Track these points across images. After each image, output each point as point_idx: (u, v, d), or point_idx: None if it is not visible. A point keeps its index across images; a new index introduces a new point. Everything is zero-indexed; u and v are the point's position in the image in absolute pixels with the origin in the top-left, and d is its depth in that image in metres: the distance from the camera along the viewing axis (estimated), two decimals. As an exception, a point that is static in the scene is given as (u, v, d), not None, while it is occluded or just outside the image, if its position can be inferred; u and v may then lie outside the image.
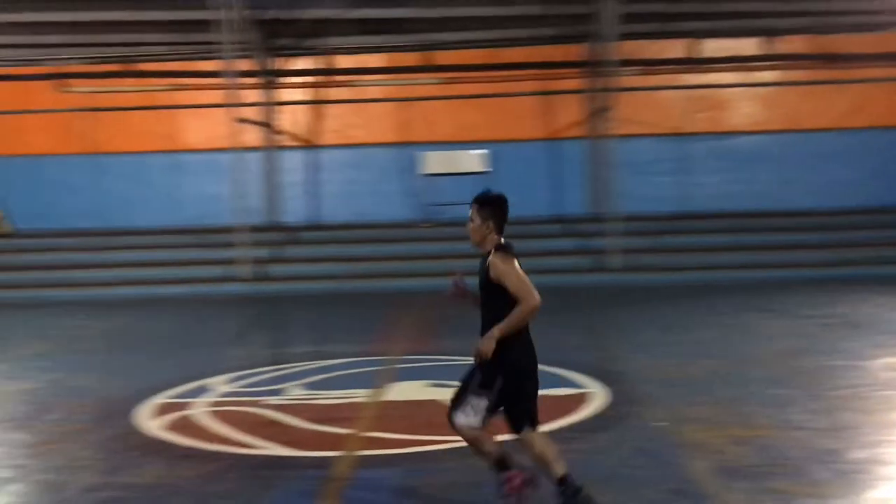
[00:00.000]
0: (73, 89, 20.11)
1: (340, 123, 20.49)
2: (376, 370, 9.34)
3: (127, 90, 20.14)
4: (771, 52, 20.19)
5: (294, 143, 20.53)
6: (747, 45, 20.23)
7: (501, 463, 5.08)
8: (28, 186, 20.26)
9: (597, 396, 8.00)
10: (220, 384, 8.97)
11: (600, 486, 5.57)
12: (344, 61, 20.43)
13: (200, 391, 8.64)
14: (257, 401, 8.15)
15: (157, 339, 12.47)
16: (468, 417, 4.96)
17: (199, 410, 7.85)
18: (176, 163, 20.23)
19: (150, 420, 7.55)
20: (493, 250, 4.98)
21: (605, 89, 18.19)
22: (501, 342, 4.83)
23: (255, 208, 18.78)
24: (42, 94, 20.08)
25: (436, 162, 19.55)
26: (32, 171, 20.20)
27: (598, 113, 18.87)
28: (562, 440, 6.60)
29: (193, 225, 19.63)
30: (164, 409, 7.91)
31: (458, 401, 5.03)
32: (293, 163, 20.43)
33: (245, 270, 17.38)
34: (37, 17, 18.45)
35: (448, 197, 19.15)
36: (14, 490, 5.86)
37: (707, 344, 10.67)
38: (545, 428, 6.91)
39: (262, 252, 18.00)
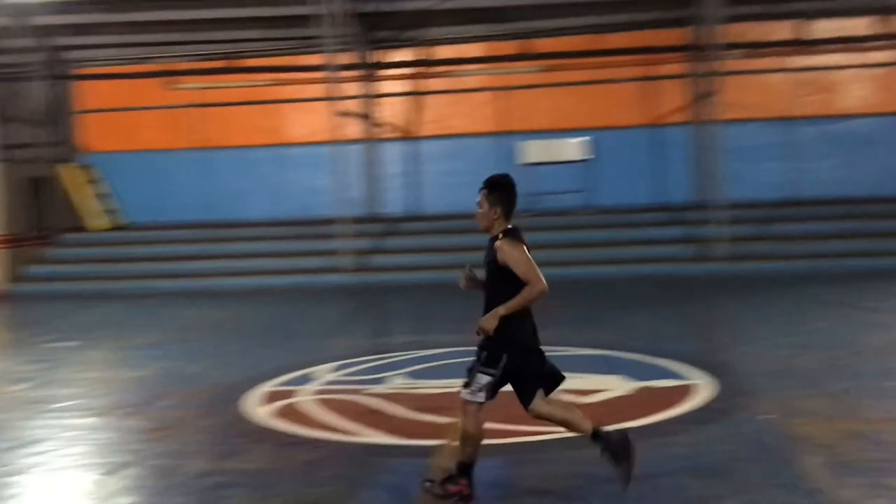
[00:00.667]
0: (181, 86, 20.72)
1: (439, 114, 20.57)
2: (477, 360, 9.35)
3: (232, 86, 20.65)
4: (885, 31, 19.35)
5: (394, 135, 20.71)
6: (859, 25, 19.45)
7: (465, 466, 5.21)
8: (140, 181, 20.97)
9: (703, 388, 7.84)
10: (325, 373, 9.13)
11: (706, 479, 5.46)
12: (443, 52, 20.47)
13: (305, 379, 8.81)
14: (360, 389, 8.26)
15: (264, 329, 12.76)
16: (474, 395, 5.08)
17: (305, 398, 8.01)
18: (280, 156, 20.66)
19: (257, 407, 7.73)
20: (500, 235, 5.14)
21: (710, 73, 17.74)
22: (507, 322, 5.00)
23: (356, 200, 19.03)
24: (152, 91, 20.75)
25: (536, 151, 19.43)
26: (144, 166, 20.90)
27: (702, 98, 18.43)
28: (667, 433, 6.50)
29: (297, 217, 20.01)
30: (271, 397, 8.10)
31: (469, 379, 5.14)
32: (393, 154, 20.62)
33: (347, 261, 17.62)
34: (145, 16, 19.04)
35: (548, 186, 19.05)
36: (130, 474, 6.09)
37: (817, 334, 10.34)
38: (649, 420, 6.85)
39: (363, 243, 18.22)
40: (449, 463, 5.51)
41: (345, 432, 6.85)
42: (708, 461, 5.82)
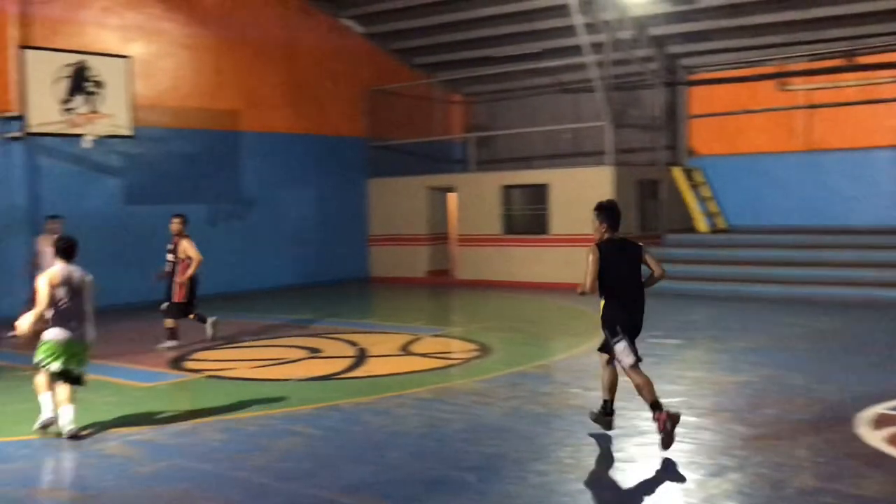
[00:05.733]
0: (792, 87, 20.16)
1: None
2: None
3: (846, 85, 19.51)
4: None
5: None
6: None
7: (655, 403, 6.82)
8: (743, 184, 20.92)
9: None
10: (948, 402, 8.13)
11: None
12: None
13: (924, 406, 7.94)
14: None
15: (875, 344, 11.83)
16: (625, 360, 6.92)
17: (924, 428, 7.21)
18: (901, 158, 18.98)
19: (868, 429, 7.16)
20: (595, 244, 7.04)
21: None
22: (604, 307, 7.04)
23: None
24: (763, 93, 20.53)
25: None
26: (749, 169, 20.78)
27: None
28: None
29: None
30: (884, 421, 7.44)
31: (611, 355, 7.08)
32: None
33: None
34: (759, 19, 18.93)
35: None
36: (731, 479, 6.06)
37: None
38: None
39: None
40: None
41: (976, 473, 6.01)
42: None
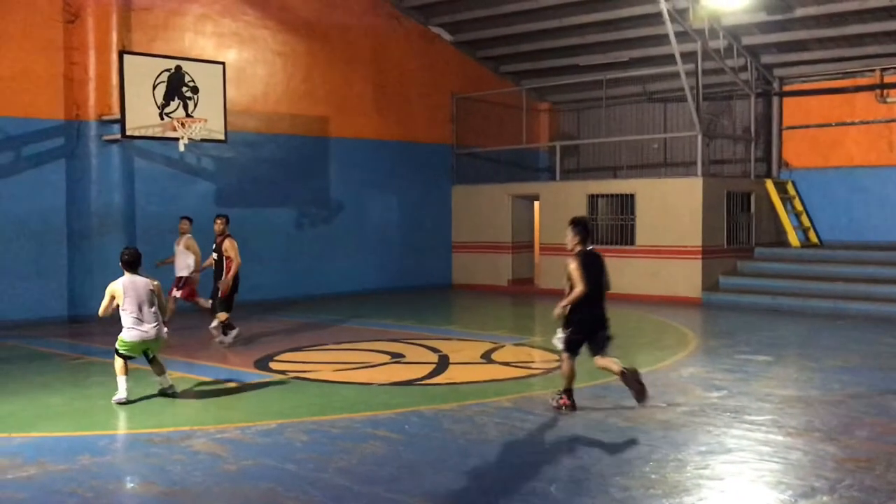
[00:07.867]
0: (893, 99, 19.51)
1: None
2: None
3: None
4: None
5: None
6: None
7: (567, 390, 8.44)
8: (837, 197, 20.33)
9: None
10: None
11: None
12: None
13: None
14: None
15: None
16: (561, 345, 8.38)
17: None
18: None
19: (969, 457, 6.88)
20: (572, 256, 8.19)
21: None
22: (571, 309, 8.21)
23: None
24: (861, 105, 19.91)
25: None
26: (844, 183, 20.19)
27: None
28: None
29: None
30: None
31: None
32: None
33: None
34: (859, 29, 18.40)
35: None
36: (823, 501, 5.87)
37: None
38: None
39: None
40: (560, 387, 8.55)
41: None
42: None
